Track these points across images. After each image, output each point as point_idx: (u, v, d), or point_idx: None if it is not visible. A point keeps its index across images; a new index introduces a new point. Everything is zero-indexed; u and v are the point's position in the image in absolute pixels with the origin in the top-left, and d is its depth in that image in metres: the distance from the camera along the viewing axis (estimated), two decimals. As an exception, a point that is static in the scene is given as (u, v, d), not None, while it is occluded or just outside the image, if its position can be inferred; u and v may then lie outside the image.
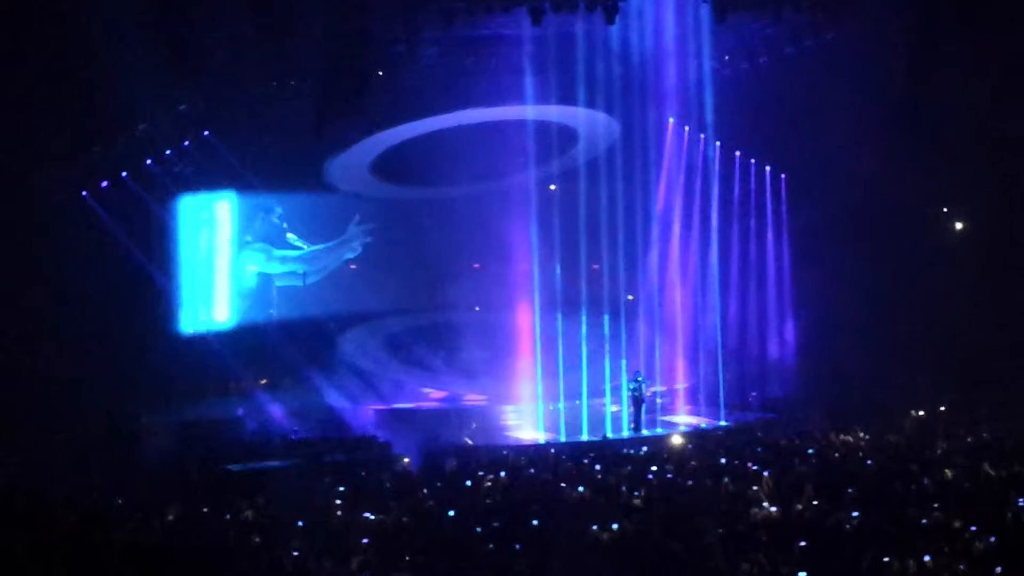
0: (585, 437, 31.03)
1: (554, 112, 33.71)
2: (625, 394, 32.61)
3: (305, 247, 37.10)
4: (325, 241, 37.30)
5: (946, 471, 19.96)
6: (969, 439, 25.37)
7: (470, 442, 29.44)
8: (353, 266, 37.76)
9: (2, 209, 28.26)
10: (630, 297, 35.09)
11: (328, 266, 37.60)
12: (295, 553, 14.54)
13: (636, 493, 18.90)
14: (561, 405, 32.37)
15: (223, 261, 36.19)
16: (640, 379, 32.20)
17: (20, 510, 18.68)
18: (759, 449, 25.13)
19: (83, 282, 29.74)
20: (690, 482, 20.25)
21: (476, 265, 36.51)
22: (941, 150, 31.87)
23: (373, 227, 37.16)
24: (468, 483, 20.86)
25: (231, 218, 36.20)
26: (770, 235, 37.81)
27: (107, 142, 31.71)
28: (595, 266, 34.33)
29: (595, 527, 15.74)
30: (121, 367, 30.25)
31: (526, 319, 33.94)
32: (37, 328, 29.00)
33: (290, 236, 36.92)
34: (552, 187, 34.51)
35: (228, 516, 17.72)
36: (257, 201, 36.32)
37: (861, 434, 26.70)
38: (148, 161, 33.31)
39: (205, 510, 18.49)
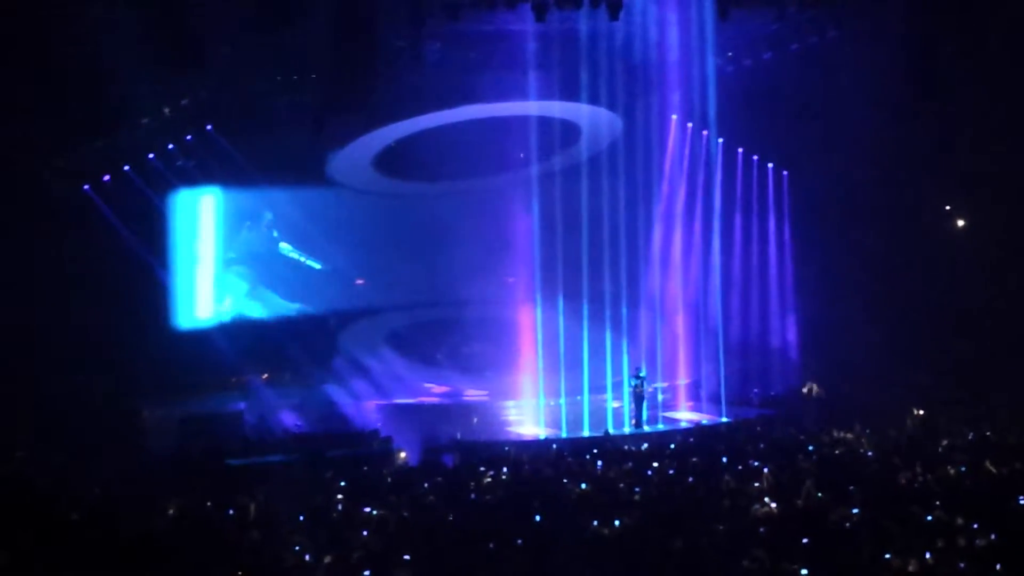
0: (587, 433, 31.05)
1: (557, 108, 33.73)
2: (627, 390, 32.62)
3: (301, 259, 37.01)
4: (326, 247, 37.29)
5: (948, 468, 19.97)
6: (971, 436, 25.36)
7: (458, 436, 29.48)
8: (361, 281, 37.70)
9: (4, 202, 28.24)
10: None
11: None
12: (296, 548, 14.55)
13: (637, 489, 18.91)
14: (563, 401, 32.39)
15: (218, 259, 36.20)
16: (642, 375, 32.23)
17: (24, 504, 18.68)
18: (760, 445, 25.11)
19: (84, 275, 29.80)
20: (691, 478, 20.24)
21: (511, 279, 36.11)
22: (944, 147, 31.86)
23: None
24: (469, 479, 20.85)
25: (219, 222, 36.13)
26: (772, 232, 37.78)
27: (109, 136, 31.70)
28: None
29: (596, 523, 15.74)
30: (122, 361, 30.27)
31: (528, 314, 33.95)
32: (38, 321, 28.97)
33: (283, 247, 36.77)
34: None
35: (229, 510, 17.72)
36: (244, 206, 36.24)
37: (862, 430, 26.69)
38: (150, 155, 33.33)
39: (207, 504, 18.50)
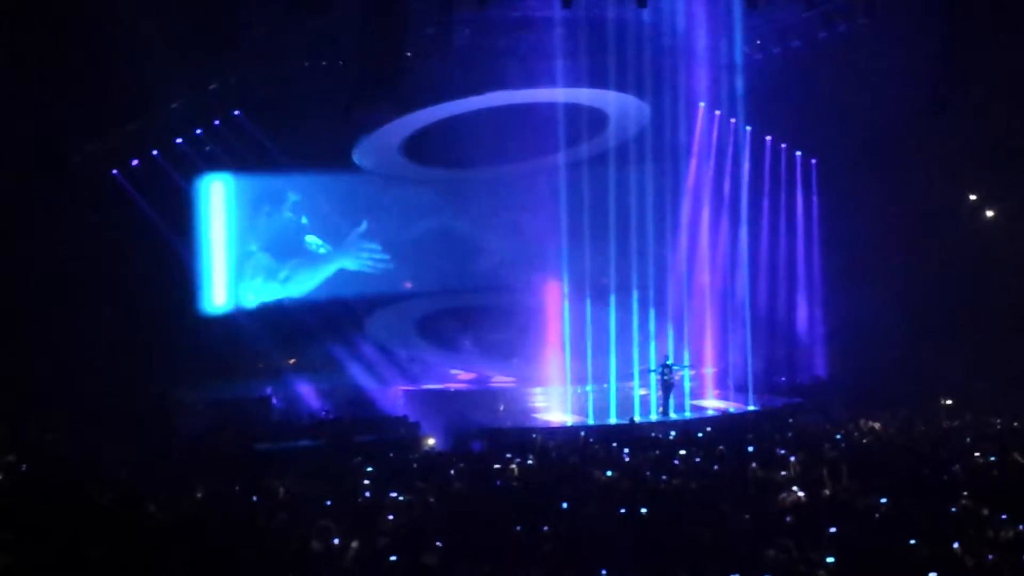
0: (613, 420, 31.06)
1: (584, 95, 33.65)
2: (654, 378, 32.61)
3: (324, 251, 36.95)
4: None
5: (975, 458, 19.90)
6: (999, 426, 25.29)
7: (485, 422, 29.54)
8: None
9: (33, 186, 28.39)
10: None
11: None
12: (323, 532, 14.58)
13: (663, 477, 18.90)
14: (590, 388, 32.41)
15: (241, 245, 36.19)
16: (669, 363, 32.22)
17: (55, 487, 18.78)
18: (787, 434, 25.09)
19: (113, 260, 29.93)
20: (717, 466, 20.23)
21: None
22: (972, 137, 31.69)
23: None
24: (496, 465, 20.87)
25: (247, 208, 36.13)
26: (799, 220, 37.71)
27: (138, 120, 31.81)
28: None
29: (622, 511, 15.75)
30: (151, 346, 30.42)
31: (555, 301, 33.97)
32: (67, 306, 29.11)
33: (310, 239, 36.69)
34: None
35: (257, 495, 17.77)
36: (271, 191, 36.22)
37: (890, 420, 26.63)
38: (178, 140, 33.40)
39: (236, 488, 18.56)
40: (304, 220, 36.64)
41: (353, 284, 36.93)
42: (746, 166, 36.12)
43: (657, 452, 22.37)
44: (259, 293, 35.95)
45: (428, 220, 37.01)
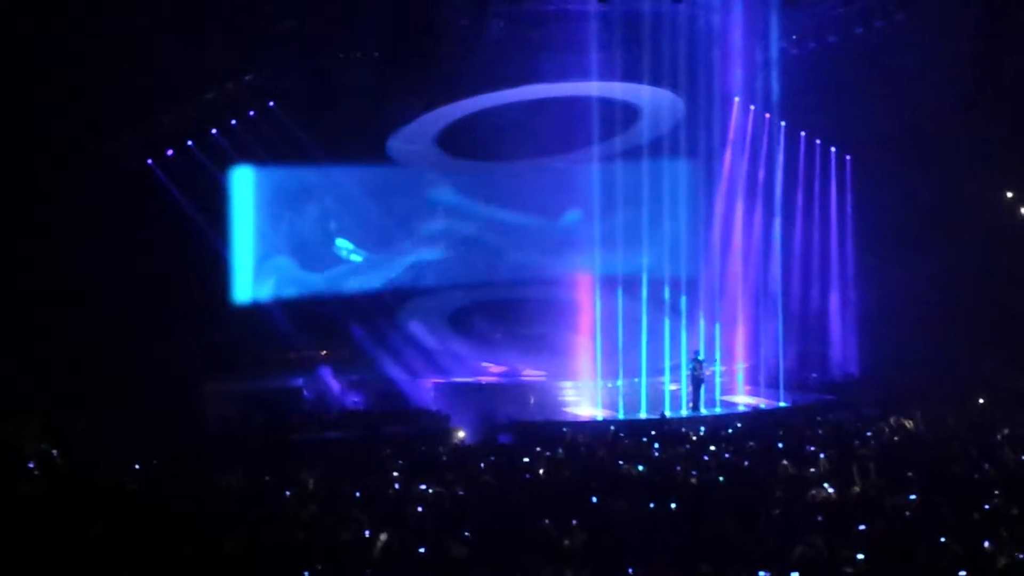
0: (644, 415, 31.01)
1: (619, 89, 33.55)
2: (684, 373, 32.53)
3: (354, 256, 36.85)
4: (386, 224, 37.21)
5: (1006, 457, 19.81)
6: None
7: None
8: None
9: (68, 176, 28.53)
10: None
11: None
12: (352, 523, 14.63)
13: (693, 473, 18.87)
14: (620, 383, 32.32)
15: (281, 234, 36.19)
16: (700, 358, 32.13)
17: (84, 476, 18.89)
18: (818, 431, 25.01)
19: (147, 250, 30.00)
20: (747, 463, 20.20)
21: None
22: (1007, 134, 31.51)
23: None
24: (525, 458, 20.88)
25: (279, 199, 36.20)
26: (833, 216, 37.51)
27: (174, 111, 31.93)
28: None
29: (651, 506, 15.75)
30: (183, 335, 30.48)
31: (587, 295, 33.91)
32: (101, 293, 29.20)
33: (340, 242, 36.64)
34: None
35: (287, 486, 17.83)
36: (304, 183, 36.22)
37: (921, 417, 26.50)
38: (214, 131, 33.48)
39: (266, 479, 18.63)
40: (333, 224, 36.61)
41: (385, 275, 36.99)
42: (780, 161, 35.95)
43: (687, 447, 22.37)
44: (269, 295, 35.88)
45: (460, 213, 37.01)
